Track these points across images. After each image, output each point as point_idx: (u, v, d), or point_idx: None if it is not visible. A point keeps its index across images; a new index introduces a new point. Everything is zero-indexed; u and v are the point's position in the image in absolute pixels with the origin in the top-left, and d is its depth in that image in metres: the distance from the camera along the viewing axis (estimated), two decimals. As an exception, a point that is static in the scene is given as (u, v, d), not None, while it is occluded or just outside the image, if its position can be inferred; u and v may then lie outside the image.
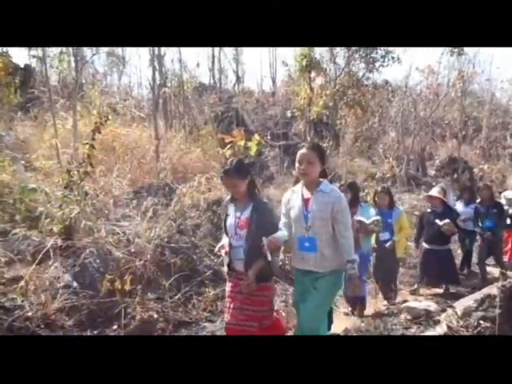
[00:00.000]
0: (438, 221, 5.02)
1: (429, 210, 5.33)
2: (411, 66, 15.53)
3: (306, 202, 2.67)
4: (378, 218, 4.32)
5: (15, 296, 3.30)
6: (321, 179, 2.72)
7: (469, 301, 3.46)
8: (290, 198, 2.79)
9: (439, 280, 5.25)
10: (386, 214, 4.70)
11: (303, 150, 2.68)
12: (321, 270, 2.64)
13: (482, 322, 3.04)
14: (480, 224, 5.75)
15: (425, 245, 5.29)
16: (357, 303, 4.47)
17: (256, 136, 6.69)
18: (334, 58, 9.94)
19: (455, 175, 13.03)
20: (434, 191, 5.36)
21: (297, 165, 2.68)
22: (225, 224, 2.94)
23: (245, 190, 2.79)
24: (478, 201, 5.96)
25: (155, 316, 3.64)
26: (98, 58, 14.15)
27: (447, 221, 4.97)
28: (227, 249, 2.88)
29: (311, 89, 9.60)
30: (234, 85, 16.93)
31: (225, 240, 2.96)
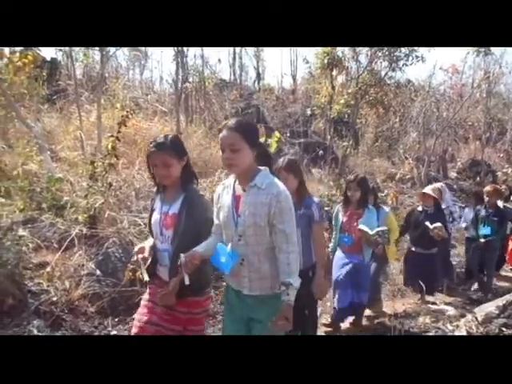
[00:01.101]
0: (428, 223, 4.66)
1: (419, 209, 5.01)
2: (435, 66, 15.21)
3: (236, 200, 2.00)
4: (384, 228, 3.95)
5: (41, 281, 3.41)
6: (261, 168, 2.00)
7: (490, 307, 3.42)
8: (221, 195, 2.11)
9: (419, 284, 4.78)
10: None
11: (223, 133, 1.94)
12: (257, 292, 1.99)
13: (504, 329, 3.00)
14: (476, 229, 5.41)
15: (409, 245, 5.04)
16: (349, 314, 3.97)
17: (276, 133, 6.69)
18: (356, 56, 9.84)
19: (477, 178, 12.77)
20: (429, 189, 5.05)
21: (220, 153, 1.98)
22: (149, 221, 2.32)
23: (178, 174, 2.18)
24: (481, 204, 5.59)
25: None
26: (121, 52, 14.37)
27: (439, 224, 4.59)
28: (147, 253, 2.22)
29: (333, 87, 9.53)
30: (255, 81, 16.92)
31: (147, 242, 2.32)
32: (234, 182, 2.05)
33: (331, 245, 4.11)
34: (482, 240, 5.30)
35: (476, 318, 3.29)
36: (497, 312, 3.15)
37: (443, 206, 5.44)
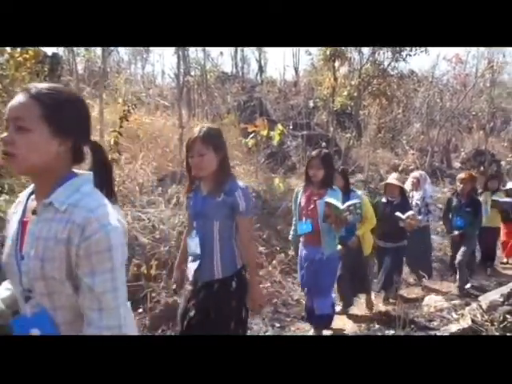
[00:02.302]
0: (399, 214, 4.20)
1: (384, 200, 4.48)
2: (438, 56, 15.11)
3: (22, 228, 1.16)
4: (356, 201, 3.33)
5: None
6: (80, 172, 1.20)
7: (494, 295, 3.43)
8: (10, 216, 1.25)
9: (392, 281, 4.34)
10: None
11: (14, 99, 1.18)
12: None
13: (508, 316, 3.01)
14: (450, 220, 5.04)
15: (377, 242, 4.45)
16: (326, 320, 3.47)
17: (279, 126, 6.67)
18: (359, 48, 9.76)
19: (482, 168, 12.73)
20: (393, 178, 4.53)
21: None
22: None
23: None
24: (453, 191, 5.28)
25: (179, 301, 3.73)
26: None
27: (411, 213, 4.21)
28: None
29: (335, 78, 9.47)
30: (257, 74, 16.86)
31: None
32: (30, 194, 1.20)
33: (292, 232, 3.61)
34: (456, 232, 4.91)
35: (480, 306, 3.30)
36: (501, 300, 3.16)
37: (418, 196, 5.11)
